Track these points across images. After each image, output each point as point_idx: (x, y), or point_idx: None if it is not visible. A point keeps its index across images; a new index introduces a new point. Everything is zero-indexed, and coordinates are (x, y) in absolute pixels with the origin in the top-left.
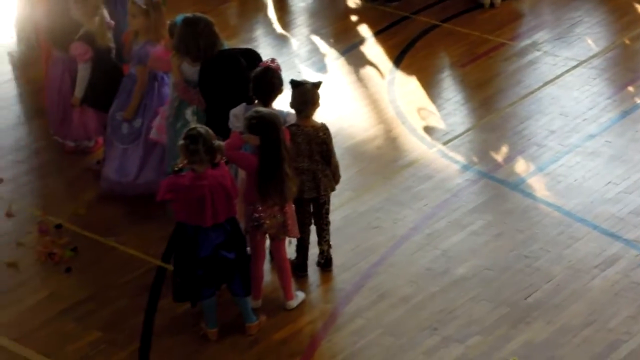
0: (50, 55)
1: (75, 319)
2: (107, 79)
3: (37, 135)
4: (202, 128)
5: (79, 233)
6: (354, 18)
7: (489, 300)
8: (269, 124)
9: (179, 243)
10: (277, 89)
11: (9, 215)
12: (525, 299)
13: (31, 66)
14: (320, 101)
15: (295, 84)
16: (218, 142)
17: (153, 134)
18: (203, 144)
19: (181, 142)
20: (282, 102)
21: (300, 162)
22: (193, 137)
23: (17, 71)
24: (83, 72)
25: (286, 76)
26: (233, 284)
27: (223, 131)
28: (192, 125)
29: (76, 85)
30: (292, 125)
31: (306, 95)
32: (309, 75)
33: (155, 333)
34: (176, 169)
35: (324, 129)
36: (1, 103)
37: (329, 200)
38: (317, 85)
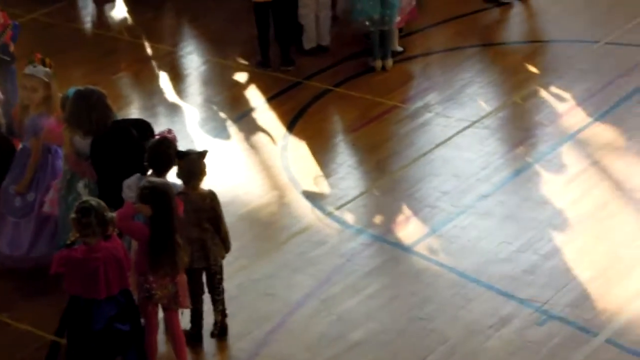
0: None
1: None
2: None
3: None
4: (94, 200)
5: None
6: (246, 85)
7: None
8: (161, 194)
9: (73, 317)
10: (172, 159)
11: None
12: None
13: None
14: (206, 170)
15: (180, 154)
16: (110, 214)
17: (46, 208)
18: (95, 217)
19: (73, 215)
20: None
21: (190, 232)
22: (85, 210)
23: None
24: None
25: (179, 145)
26: (128, 357)
27: (115, 202)
28: (84, 198)
29: None
30: (180, 193)
31: (192, 165)
32: (203, 142)
33: None
34: (68, 242)
35: (211, 195)
36: None
37: (221, 269)
38: (202, 154)
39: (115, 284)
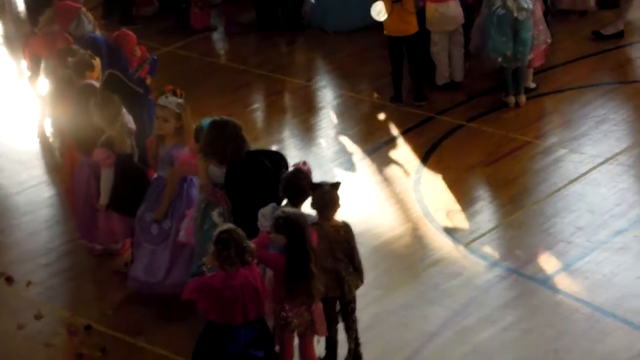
0: (75, 159)
1: None
2: (131, 183)
3: (65, 238)
4: (234, 230)
5: (107, 334)
6: (379, 118)
7: None
8: (295, 224)
9: (209, 341)
10: (306, 191)
11: (37, 317)
12: None
13: (59, 171)
14: (340, 202)
15: (314, 186)
16: (249, 244)
17: (181, 236)
18: (235, 248)
19: (212, 246)
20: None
21: (324, 262)
22: (224, 242)
23: (47, 175)
24: (106, 178)
25: (313, 177)
26: None
27: (250, 231)
28: (223, 226)
29: (101, 191)
30: (314, 224)
31: (325, 196)
32: (336, 175)
33: None
34: (204, 269)
35: (345, 227)
36: (30, 207)
37: (354, 299)
38: (335, 186)
39: (252, 311)
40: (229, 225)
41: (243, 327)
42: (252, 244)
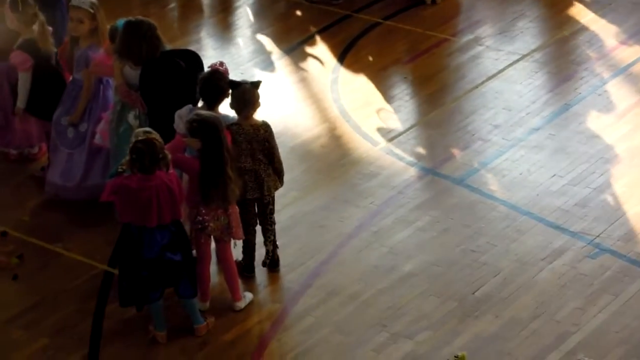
0: None
1: (22, 327)
2: (49, 86)
3: None
4: (150, 140)
5: (24, 240)
6: (296, 17)
7: (437, 296)
8: (210, 127)
9: (125, 244)
10: (223, 92)
11: None
12: (473, 293)
13: None
14: (260, 101)
15: (234, 84)
16: (165, 155)
17: (97, 139)
18: (149, 158)
19: (127, 155)
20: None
21: (243, 162)
22: (139, 152)
23: None
24: (24, 81)
25: (231, 77)
26: (180, 287)
27: (165, 133)
28: (139, 132)
29: (18, 94)
30: (233, 124)
31: (245, 95)
32: (253, 75)
33: (104, 337)
34: (120, 170)
35: (265, 126)
36: None
37: (273, 200)
38: (256, 84)
39: (167, 213)
40: (147, 134)
41: (158, 230)
42: (168, 154)
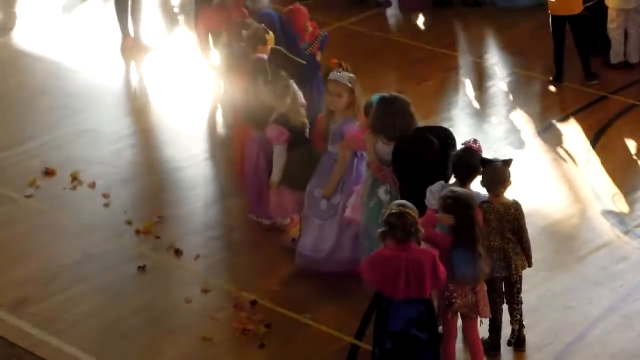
0: (246, 134)
1: None
2: (303, 159)
3: (233, 213)
4: (404, 212)
5: (273, 309)
6: (551, 97)
7: None
8: (463, 204)
9: (371, 318)
10: (476, 169)
11: (204, 291)
12: None
13: (228, 146)
14: (511, 179)
15: (485, 162)
16: (417, 228)
17: (348, 213)
18: (401, 231)
19: (381, 228)
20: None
21: (492, 240)
22: (391, 225)
23: (215, 150)
24: (279, 154)
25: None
26: None
27: (416, 208)
28: (386, 204)
29: (273, 167)
30: (484, 202)
31: (496, 173)
32: (505, 154)
33: None
34: None
35: (515, 205)
36: (198, 181)
37: (520, 279)
38: (507, 163)
39: (414, 288)
40: (400, 208)
41: (404, 304)
42: (422, 229)
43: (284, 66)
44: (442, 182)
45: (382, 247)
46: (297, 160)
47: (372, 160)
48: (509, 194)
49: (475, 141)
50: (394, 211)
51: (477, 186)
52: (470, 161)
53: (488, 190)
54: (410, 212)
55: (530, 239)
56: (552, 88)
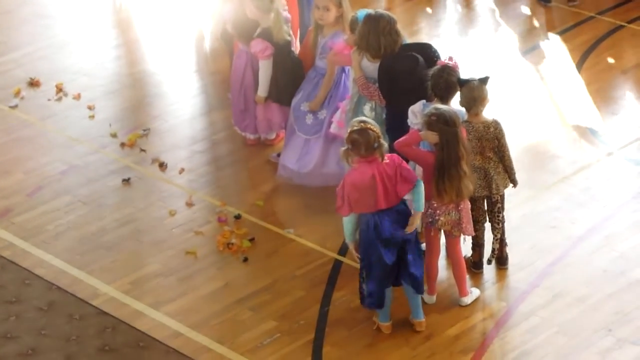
0: (236, 48)
1: (250, 308)
2: (289, 73)
3: (219, 126)
4: (365, 128)
5: (257, 224)
6: (536, 18)
7: None
8: (447, 121)
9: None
10: (454, 87)
11: (188, 204)
12: None
13: (217, 59)
14: (489, 97)
15: (462, 81)
16: (381, 143)
17: (333, 128)
18: (364, 148)
19: (343, 148)
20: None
21: (472, 160)
22: (354, 142)
23: (202, 63)
24: (265, 70)
25: (464, 74)
26: (409, 279)
27: (401, 127)
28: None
29: (259, 83)
30: (463, 122)
31: (474, 92)
32: (486, 73)
33: (330, 325)
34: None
35: (495, 124)
36: (185, 94)
37: (502, 199)
38: (484, 81)
39: (392, 196)
40: (363, 123)
41: (387, 213)
42: (384, 143)
43: None
44: (424, 101)
45: (347, 173)
46: (284, 75)
47: (358, 77)
48: (495, 114)
49: (451, 58)
50: (355, 128)
51: (456, 105)
52: (448, 79)
53: (467, 110)
54: (372, 127)
55: (514, 159)
56: (539, 8)
